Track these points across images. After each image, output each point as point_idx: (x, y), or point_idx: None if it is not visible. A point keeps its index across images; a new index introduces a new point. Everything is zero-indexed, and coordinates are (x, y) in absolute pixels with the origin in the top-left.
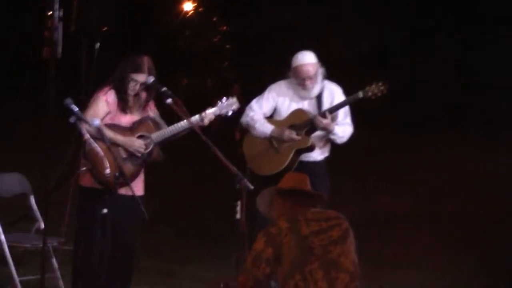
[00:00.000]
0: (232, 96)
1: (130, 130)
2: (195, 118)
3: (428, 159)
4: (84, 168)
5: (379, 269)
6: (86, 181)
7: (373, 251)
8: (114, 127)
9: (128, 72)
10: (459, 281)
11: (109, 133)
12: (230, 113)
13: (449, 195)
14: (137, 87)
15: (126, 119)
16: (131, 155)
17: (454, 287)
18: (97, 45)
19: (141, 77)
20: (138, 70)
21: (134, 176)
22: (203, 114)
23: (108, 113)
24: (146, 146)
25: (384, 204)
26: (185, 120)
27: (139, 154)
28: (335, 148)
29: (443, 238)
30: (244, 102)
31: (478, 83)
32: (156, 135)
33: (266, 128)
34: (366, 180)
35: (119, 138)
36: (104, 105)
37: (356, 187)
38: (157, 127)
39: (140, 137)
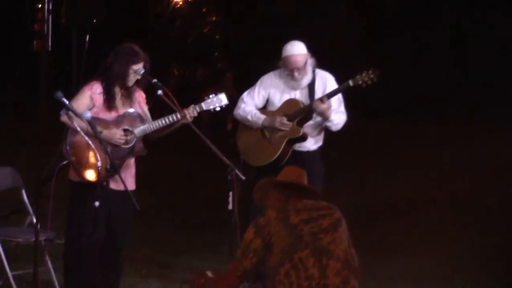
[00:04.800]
0: (221, 91)
1: (114, 124)
2: (178, 115)
3: (434, 144)
4: (66, 162)
5: (379, 256)
6: (75, 175)
7: (372, 239)
8: (98, 120)
9: (128, 65)
10: (461, 267)
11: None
12: (218, 109)
13: (454, 180)
14: (137, 77)
15: (111, 115)
16: (112, 149)
17: (456, 273)
18: (88, 37)
19: (140, 65)
20: (137, 59)
21: None
22: (189, 109)
23: (92, 107)
24: (128, 140)
25: (388, 191)
26: (169, 116)
27: (122, 146)
28: (335, 137)
29: (447, 224)
30: (236, 93)
31: (482, 64)
32: (139, 130)
33: (258, 118)
34: (367, 168)
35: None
36: (87, 99)
37: (359, 175)
38: (141, 121)
39: (123, 131)
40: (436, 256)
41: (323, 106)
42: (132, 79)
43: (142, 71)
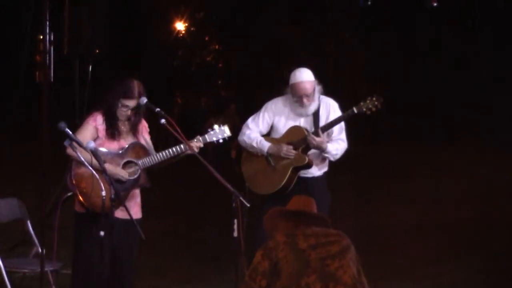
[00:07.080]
0: (224, 120)
1: (119, 155)
2: (182, 147)
3: (435, 168)
4: (70, 193)
5: (385, 280)
6: (80, 206)
7: (379, 262)
8: (102, 152)
9: (118, 98)
10: None
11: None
12: (221, 141)
13: (456, 203)
14: (128, 112)
15: (115, 145)
16: (116, 181)
17: None
18: (90, 67)
19: (132, 102)
20: (128, 95)
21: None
22: (193, 140)
23: (96, 139)
24: (133, 172)
25: (391, 214)
26: (174, 147)
27: (123, 179)
28: (338, 162)
29: (449, 247)
30: (239, 121)
31: (484, 89)
32: (143, 162)
33: (263, 145)
34: (370, 192)
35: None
36: (92, 131)
37: (362, 199)
38: (146, 153)
39: (128, 162)
40: (440, 280)
41: (318, 140)
42: (122, 113)
43: (145, 101)
